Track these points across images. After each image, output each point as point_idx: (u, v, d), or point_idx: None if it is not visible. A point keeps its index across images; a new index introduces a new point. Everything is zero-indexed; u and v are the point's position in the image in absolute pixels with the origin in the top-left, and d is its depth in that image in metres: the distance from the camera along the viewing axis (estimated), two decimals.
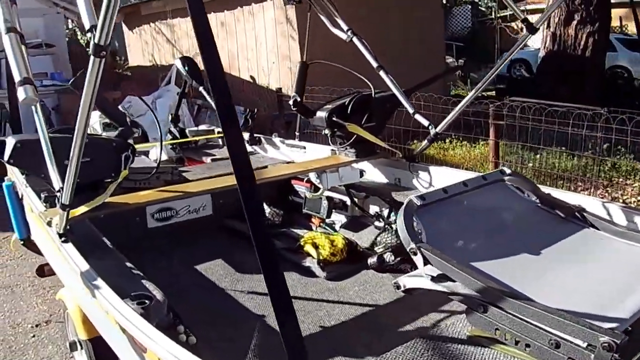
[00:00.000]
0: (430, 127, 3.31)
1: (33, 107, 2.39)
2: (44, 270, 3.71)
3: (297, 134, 4.45)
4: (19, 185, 3.33)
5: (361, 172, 3.57)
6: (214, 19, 9.49)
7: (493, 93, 13.15)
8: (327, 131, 3.61)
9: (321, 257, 3.10)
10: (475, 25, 23.24)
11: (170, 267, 3.13)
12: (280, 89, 7.58)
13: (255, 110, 4.94)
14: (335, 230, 3.60)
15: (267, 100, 8.24)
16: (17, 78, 2.08)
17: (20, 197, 3.45)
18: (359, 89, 3.78)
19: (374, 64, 3.58)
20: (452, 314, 2.37)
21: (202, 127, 5.43)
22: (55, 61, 10.77)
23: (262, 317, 2.55)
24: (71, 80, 3.16)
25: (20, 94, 2.04)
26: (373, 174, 3.69)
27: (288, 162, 4.17)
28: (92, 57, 1.57)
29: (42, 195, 2.78)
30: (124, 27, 12.61)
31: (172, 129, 5.04)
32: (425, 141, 3.40)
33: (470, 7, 23.43)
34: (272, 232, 3.68)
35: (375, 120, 3.63)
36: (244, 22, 9.07)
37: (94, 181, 2.69)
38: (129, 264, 2.23)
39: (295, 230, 3.67)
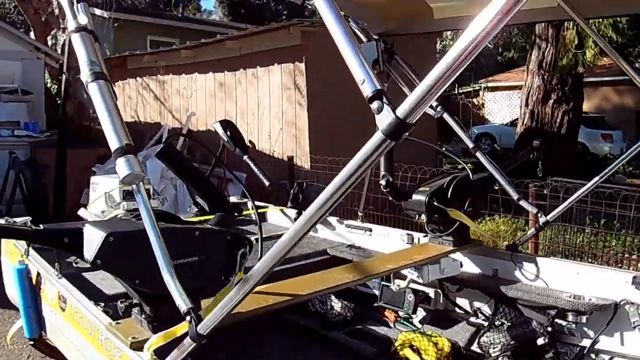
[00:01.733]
0: (539, 216, 3.13)
1: (134, 186, 1.75)
2: None
3: (360, 214, 4.05)
4: (40, 271, 2.68)
5: (461, 263, 3.25)
6: (212, 78, 9.19)
7: (470, 165, 13.43)
8: (424, 217, 3.26)
9: None
10: (438, 100, 23.94)
11: None
12: (292, 157, 7.27)
13: (304, 183, 4.55)
14: (415, 326, 3.24)
15: (269, 168, 7.89)
16: (114, 144, 1.65)
17: (35, 284, 2.77)
18: (451, 171, 3.51)
19: (470, 144, 3.44)
20: None
21: (232, 199, 4.98)
22: (30, 110, 10.08)
23: None
24: (158, 150, 2.48)
25: (122, 168, 1.62)
26: (466, 263, 3.37)
27: (351, 246, 3.78)
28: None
29: (121, 305, 2.04)
30: None
31: (200, 200, 4.56)
32: (533, 230, 3.25)
33: None
34: (347, 330, 3.29)
35: (472, 205, 3.34)
36: (246, 85, 8.78)
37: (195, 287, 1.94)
38: None
39: (374, 328, 3.29)
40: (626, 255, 5.88)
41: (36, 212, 7.54)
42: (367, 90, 1.19)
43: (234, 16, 30.53)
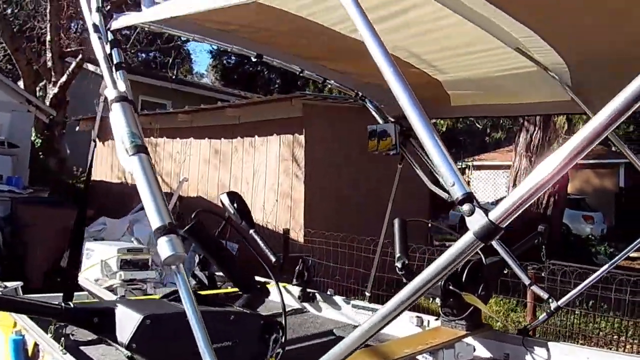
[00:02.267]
0: (551, 301, 3.13)
1: (174, 267, 1.56)
2: None
3: (367, 294, 3.92)
4: (40, 343, 2.42)
5: (474, 348, 3.16)
6: (207, 144, 9.19)
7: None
8: (438, 300, 3.21)
9: None
10: None
11: None
12: (288, 229, 7.16)
13: (310, 260, 4.43)
14: None
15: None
16: (155, 222, 1.53)
17: (31, 356, 2.60)
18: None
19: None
20: None
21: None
22: (14, 163, 9.79)
23: None
24: (187, 228, 2.36)
25: (164, 248, 1.51)
26: (478, 348, 3.28)
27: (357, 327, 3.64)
28: None
29: None
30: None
31: (198, 272, 4.41)
32: (544, 314, 3.22)
33: None
34: None
35: (485, 289, 3.29)
36: (242, 153, 8.78)
37: None
38: None
39: None
40: (614, 337, 5.96)
41: (12, 271, 7.25)
42: (457, 193, 1.21)
43: (226, 81, 30.91)
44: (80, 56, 14.15)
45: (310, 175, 7.91)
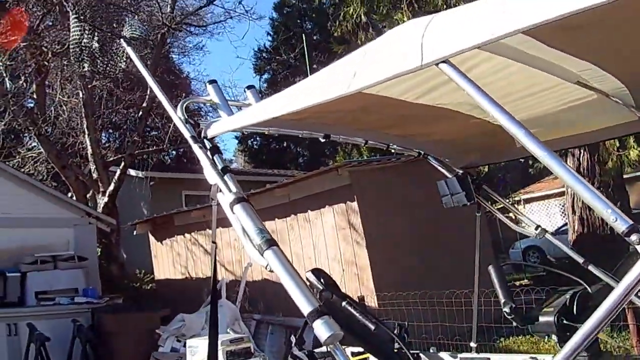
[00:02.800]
0: None
1: (332, 346, 1.59)
2: None
3: (473, 345, 3.89)
4: None
5: None
6: None
7: (525, 281, 13.18)
8: (554, 337, 3.16)
9: None
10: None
11: None
12: (363, 297, 7.16)
13: (407, 323, 4.43)
14: None
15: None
16: (306, 308, 1.60)
17: None
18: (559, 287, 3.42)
19: (579, 260, 3.41)
20: None
21: (323, 349, 4.83)
22: (86, 275, 10.16)
23: None
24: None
25: (321, 330, 1.58)
26: None
27: None
28: None
29: None
30: (151, 239, 12.38)
31: (297, 352, 4.45)
32: None
33: None
34: None
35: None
36: (298, 230, 8.92)
37: None
38: None
39: None
40: None
41: None
42: (622, 227, 1.28)
43: (255, 162, 31.48)
44: (123, 163, 14.78)
45: (371, 238, 7.95)
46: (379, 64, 1.75)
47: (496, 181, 22.52)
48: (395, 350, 4.09)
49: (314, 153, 29.19)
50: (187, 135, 2.34)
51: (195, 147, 2.28)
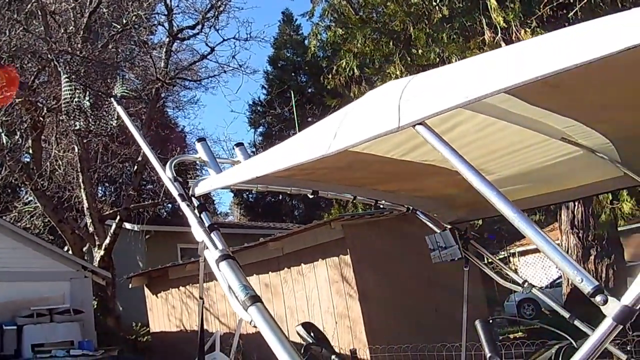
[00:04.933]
0: None
1: None
2: None
3: None
4: None
5: None
6: (256, 280, 9.30)
7: (519, 334, 13.01)
8: None
9: None
10: None
11: None
12: (355, 350, 7.10)
13: None
14: None
15: None
16: None
17: None
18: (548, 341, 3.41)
19: (565, 315, 3.35)
20: None
21: None
22: (82, 328, 10.27)
23: None
24: None
25: None
26: None
27: None
28: None
29: None
30: (147, 292, 12.28)
31: None
32: None
33: None
34: None
35: None
36: (292, 283, 8.86)
37: None
38: None
39: None
40: None
41: None
42: (587, 287, 1.30)
43: (251, 215, 31.41)
44: (118, 217, 14.79)
45: (364, 291, 7.91)
46: (359, 126, 1.81)
47: (487, 235, 22.50)
48: None
49: (309, 206, 29.21)
50: (175, 193, 2.37)
51: (183, 205, 2.32)
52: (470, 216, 3.85)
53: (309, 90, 30.24)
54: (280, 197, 32.71)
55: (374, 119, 1.76)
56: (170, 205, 25.11)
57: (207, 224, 2.24)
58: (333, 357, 4.02)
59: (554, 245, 1.38)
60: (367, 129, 1.75)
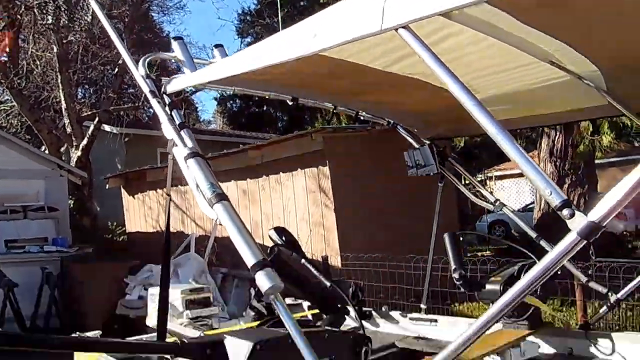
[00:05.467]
0: (610, 294, 3.17)
1: (273, 296, 1.66)
2: None
3: (423, 306, 3.99)
4: None
5: (538, 345, 3.20)
6: (234, 186, 9.33)
7: (487, 253, 13.48)
8: None
9: None
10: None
11: None
12: (327, 256, 7.25)
13: (361, 283, 4.51)
14: None
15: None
16: (250, 260, 1.64)
17: None
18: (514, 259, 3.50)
19: (533, 234, 3.50)
20: None
21: (288, 300, 4.88)
22: (56, 226, 10.30)
23: None
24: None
25: (263, 281, 1.60)
26: (542, 345, 3.32)
27: (418, 338, 3.67)
28: None
29: None
30: (123, 192, 12.33)
31: (256, 304, 4.49)
32: (605, 307, 3.24)
33: None
34: None
35: (543, 290, 3.35)
36: (269, 191, 8.92)
37: None
38: None
39: None
40: None
41: (71, 324, 7.67)
42: (555, 200, 1.31)
43: (234, 124, 31.18)
44: (97, 119, 14.61)
45: (340, 203, 8.02)
46: (340, 27, 1.72)
47: (469, 157, 22.73)
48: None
49: (293, 118, 29.00)
50: (145, 90, 2.30)
51: (154, 102, 2.25)
52: (450, 133, 3.83)
53: (302, 3, 29.16)
54: (265, 108, 32.34)
55: (356, 20, 1.66)
56: (151, 110, 24.73)
57: (177, 122, 2.18)
58: (302, 260, 4.09)
59: (528, 159, 1.36)
60: (348, 30, 1.66)
